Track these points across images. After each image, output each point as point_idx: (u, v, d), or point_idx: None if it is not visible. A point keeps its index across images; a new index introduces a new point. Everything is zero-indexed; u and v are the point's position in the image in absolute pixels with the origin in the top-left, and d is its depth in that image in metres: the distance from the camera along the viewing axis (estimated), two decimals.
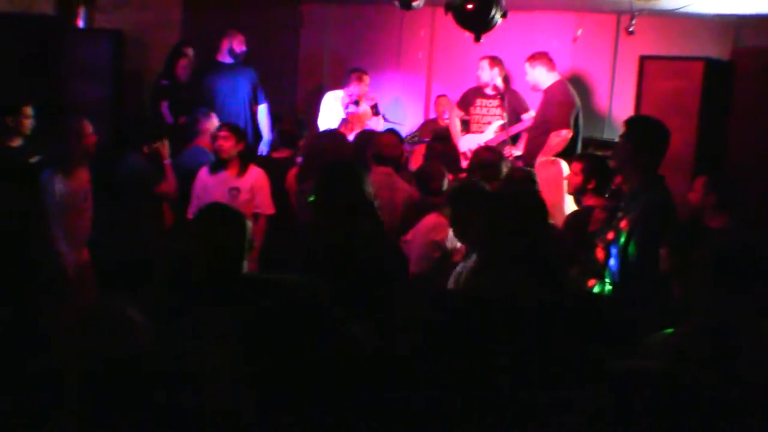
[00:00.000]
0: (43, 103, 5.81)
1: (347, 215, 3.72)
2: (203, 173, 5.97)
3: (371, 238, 3.63)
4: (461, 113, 8.03)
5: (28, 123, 5.53)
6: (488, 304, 2.71)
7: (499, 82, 7.67)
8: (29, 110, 5.56)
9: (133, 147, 6.05)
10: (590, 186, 5.04)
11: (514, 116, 7.68)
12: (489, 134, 7.62)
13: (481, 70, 7.76)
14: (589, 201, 4.99)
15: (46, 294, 5.08)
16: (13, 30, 7.22)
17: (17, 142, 5.54)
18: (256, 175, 5.88)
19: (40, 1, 7.78)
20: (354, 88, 8.04)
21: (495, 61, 7.73)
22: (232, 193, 5.74)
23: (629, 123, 4.21)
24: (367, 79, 8.09)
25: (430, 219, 5.00)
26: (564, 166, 5.68)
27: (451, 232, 4.86)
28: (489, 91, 7.82)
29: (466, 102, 7.97)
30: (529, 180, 5.25)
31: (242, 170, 5.84)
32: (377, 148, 5.45)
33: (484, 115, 7.85)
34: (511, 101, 7.61)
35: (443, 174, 5.24)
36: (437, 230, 4.91)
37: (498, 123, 7.61)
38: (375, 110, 8.12)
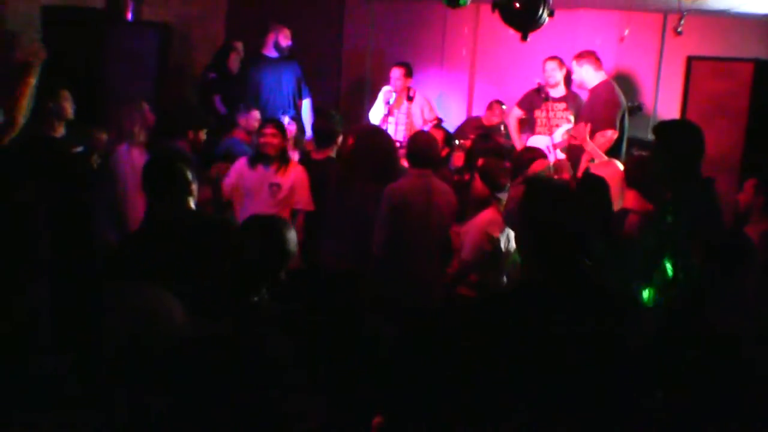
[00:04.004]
0: (90, 93, 5.83)
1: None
2: (242, 164, 5.91)
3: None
4: (521, 113, 7.90)
5: (70, 107, 5.48)
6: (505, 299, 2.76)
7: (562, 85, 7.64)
8: (67, 93, 5.50)
9: (179, 134, 5.85)
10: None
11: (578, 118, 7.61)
12: (557, 137, 7.41)
13: (552, 71, 7.62)
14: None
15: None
16: (66, 23, 7.35)
17: (60, 130, 5.49)
18: (297, 172, 5.82)
19: None
20: (391, 82, 8.09)
21: (562, 62, 7.63)
22: (272, 189, 5.72)
23: (659, 130, 4.11)
24: (396, 72, 8.04)
25: (488, 213, 5.09)
26: (620, 167, 5.62)
27: (507, 232, 4.98)
28: (555, 93, 7.70)
29: (529, 103, 7.80)
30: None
31: (283, 167, 5.85)
32: (413, 149, 5.29)
33: (551, 118, 7.69)
34: (576, 104, 7.54)
35: (507, 171, 5.25)
36: (493, 225, 5.02)
37: (566, 126, 7.49)
38: (409, 98, 8.13)
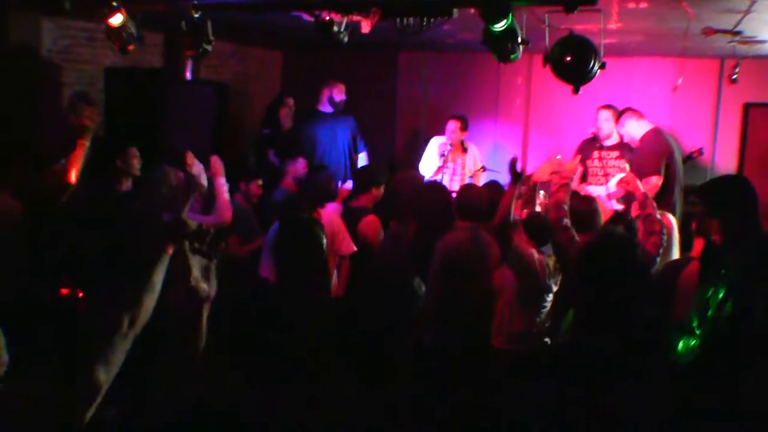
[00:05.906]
0: (151, 151, 5.96)
1: None
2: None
3: None
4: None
5: (137, 163, 5.65)
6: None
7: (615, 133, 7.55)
8: (136, 151, 5.70)
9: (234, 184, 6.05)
10: None
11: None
12: (611, 187, 7.20)
13: (605, 121, 7.56)
14: None
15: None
16: (127, 82, 7.58)
17: (127, 185, 5.66)
18: (331, 218, 5.91)
19: (150, 55, 8.15)
20: (447, 135, 8.14)
21: (616, 111, 7.56)
22: None
23: (704, 192, 4.13)
24: (452, 125, 8.09)
25: None
26: (672, 219, 5.55)
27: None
28: (609, 142, 7.64)
29: (582, 153, 7.64)
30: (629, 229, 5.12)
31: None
32: (463, 201, 5.38)
33: (602, 167, 7.63)
34: (630, 152, 7.45)
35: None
36: None
37: (620, 175, 7.39)
38: (464, 149, 8.17)
